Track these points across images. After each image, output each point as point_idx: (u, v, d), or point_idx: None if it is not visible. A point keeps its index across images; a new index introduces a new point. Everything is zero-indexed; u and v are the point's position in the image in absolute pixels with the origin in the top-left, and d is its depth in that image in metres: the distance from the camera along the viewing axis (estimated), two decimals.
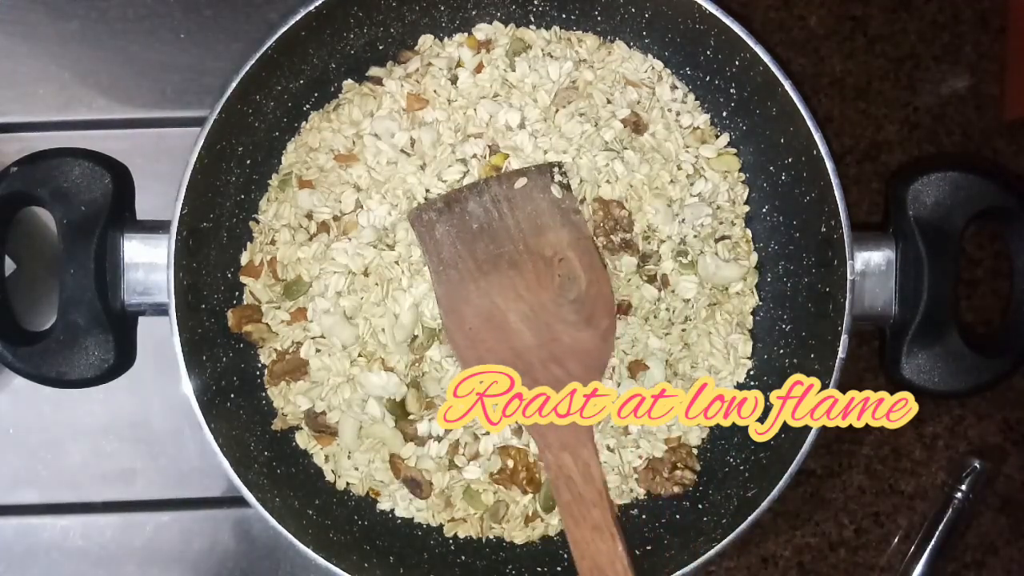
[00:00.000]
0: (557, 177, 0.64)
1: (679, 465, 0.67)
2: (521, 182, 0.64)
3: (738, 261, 0.68)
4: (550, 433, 0.61)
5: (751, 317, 0.69)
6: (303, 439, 0.68)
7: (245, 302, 0.67)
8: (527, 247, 0.62)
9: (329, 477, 0.68)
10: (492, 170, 0.65)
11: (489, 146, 0.65)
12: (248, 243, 0.68)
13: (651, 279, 0.66)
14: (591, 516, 0.59)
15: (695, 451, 0.68)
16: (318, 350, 0.66)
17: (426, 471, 0.66)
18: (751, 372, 0.69)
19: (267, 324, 0.67)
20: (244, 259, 0.68)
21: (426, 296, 0.64)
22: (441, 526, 0.68)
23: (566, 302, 0.62)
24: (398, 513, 0.68)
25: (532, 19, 0.69)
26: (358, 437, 0.66)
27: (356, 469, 0.67)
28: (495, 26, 0.69)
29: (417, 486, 0.66)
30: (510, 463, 0.66)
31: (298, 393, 0.66)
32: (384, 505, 0.68)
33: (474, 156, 0.65)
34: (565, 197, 0.64)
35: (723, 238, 0.68)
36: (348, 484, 0.68)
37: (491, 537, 0.68)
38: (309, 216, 0.67)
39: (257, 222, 0.68)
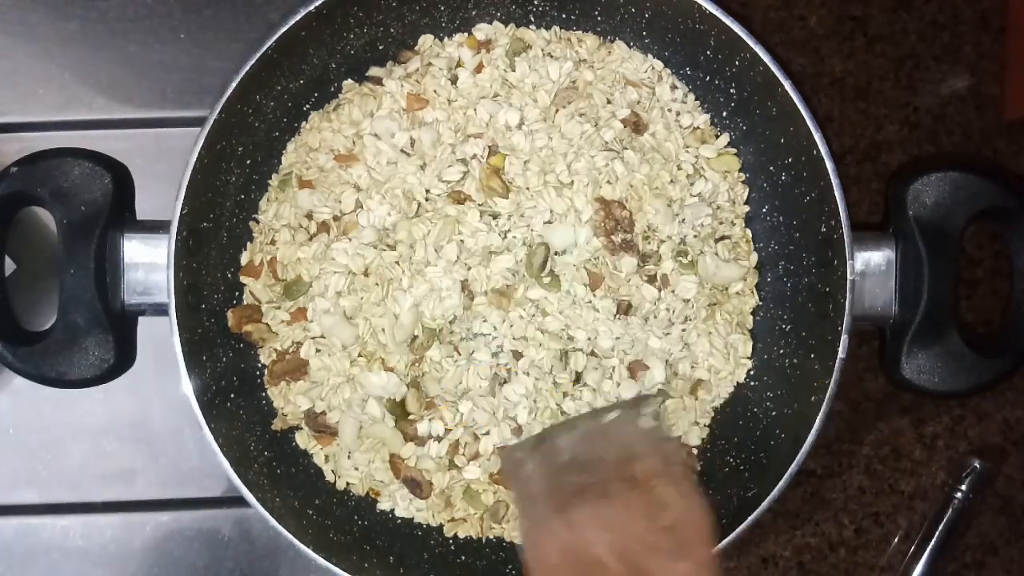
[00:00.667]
0: (648, 409, 0.62)
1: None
2: (613, 415, 0.62)
3: (738, 261, 0.68)
4: None
5: (751, 317, 0.69)
6: (303, 439, 0.68)
7: (245, 302, 0.67)
8: (617, 476, 0.58)
9: (329, 477, 0.68)
10: (491, 171, 0.64)
11: (489, 146, 0.65)
12: (248, 243, 0.68)
13: (651, 279, 0.66)
14: None
15: (695, 451, 0.68)
16: (318, 350, 0.66)
17: (426, 471, 0.66)
18: (751, 372, 0.69)
19: (267, 324, 0.67)
20: (244, 259, 0.68)
21: (426, 296, 0.64)
22: (441, 526, 0.68)
23: (658, 530, 0.57)
24: (398, 513, 0.68)
25: (532, 19, 0.69)
26: (358, 437, 0.66)
27: (356, 469, 0.67)
28: (495, 26, 0.69)
29: (417, 486, 0.66)
30: None
31: (298, 393, 0.66)
32: (384, 505, 0.68)
33: (474, 156, 0.65)
34: (655, 429, 0.61)
35: (723, 238, 0.68)
36: (348, 484, 0.68)
37: (491, 537, 0.68)
38: (309, 216, 0.67)
39: (257, 222, 0.68)
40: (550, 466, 0.59)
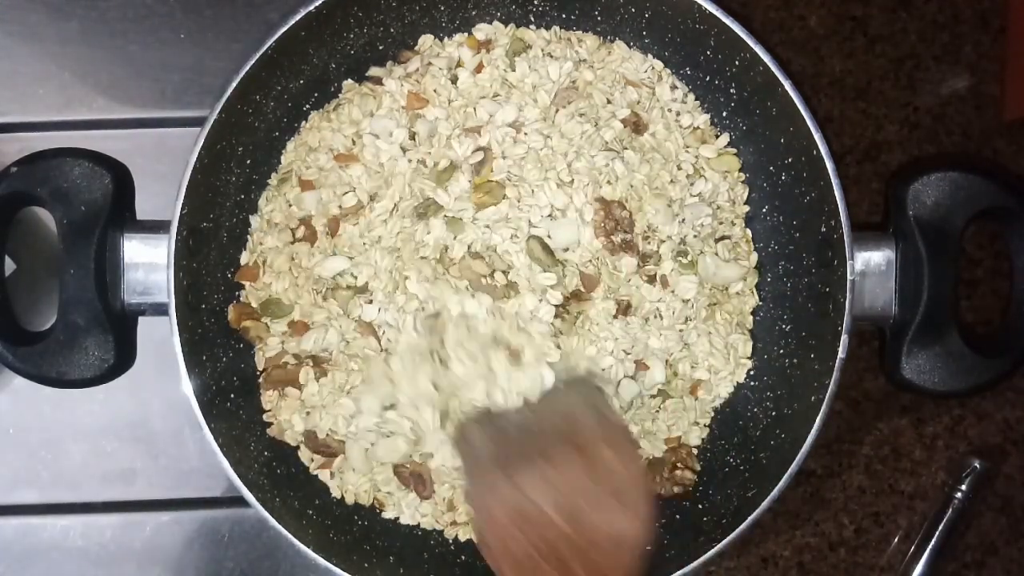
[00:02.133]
0: (592, 381, 0.64)
1: (679, 465, 0.67)
2: (559, 388, 0.64)
3: (738, 261, 0.68)
4: None
5: (751, 317, 0.69)
6: (306, 456, 0.67)
7: (243, 300, 0.68)
8: (560, 439, 0.61)
9: (336, 493, 0.67)
10: (483, 193, 0.64)
11: (483, 148, 0.65)
12: (247, 243, 0.68)
13: (651, 279, 0.66)
14: None
15: (695, 451, 0.68)
16: (316, 378, 0.66)
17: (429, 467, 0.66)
18: (751, 372, 0.69)
19: (265, 323, 0.66)
20: (244, 258, 0.68)
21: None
22: (442, 529, 0.68)
23: (600, 489, 0.59)
24: (403, 521, 0.67)
25: (532, 19, 0.69)
26: (367, 458, 0.66)
27: (363, 478, 0.67)
28: (495, 26, 0.69)
29: (421, 482, 0.66)
30: None
31: (291, 411, 0.66)
32: (389, 514, 0.67)
33: (465, 159, 0.65)
34: (598, 399, 0.64)
35: (723, 238, 0.68)
36: (356, 497, 0.67)
37: None
38: (302, 221, 0.67)
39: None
40: (497, 434, 0.62)
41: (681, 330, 0.67)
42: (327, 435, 0.66)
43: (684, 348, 0.67)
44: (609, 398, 0.64)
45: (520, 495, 0.59)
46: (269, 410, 0.67)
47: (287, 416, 0.66)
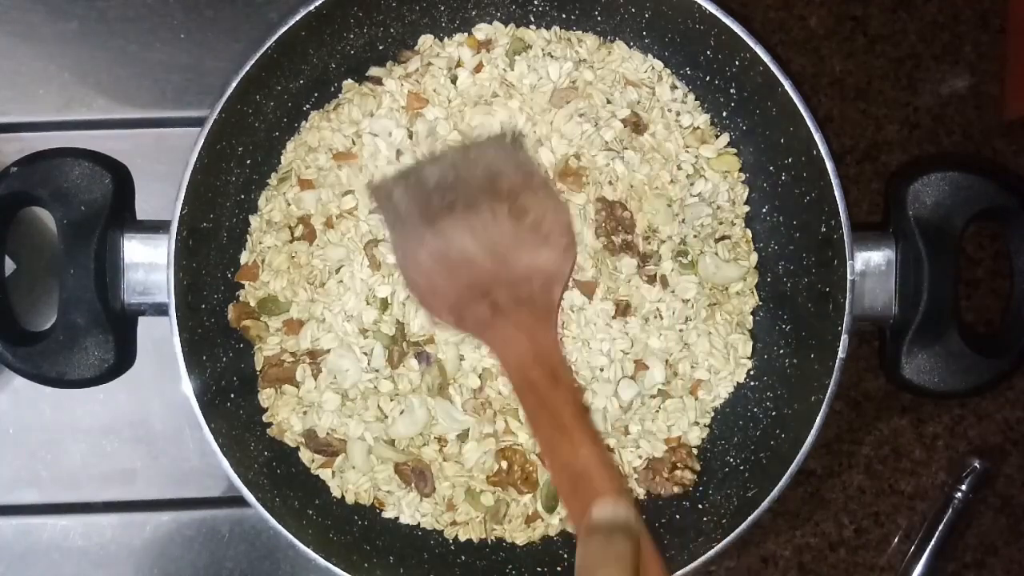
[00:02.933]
0: (508, 135, 0.65)
1: (679, 465, 0.67)
2: (477, 145, 0.65)
3: (738, 261, 0.68)
4: (510, 345, 0.59)
5: (751, 317, 0.69)
6: (306, 456, 0.67)
7: (241, 299, 0.68)
8: (482, 190, 0.62)
9: (336, 493, 0.67)
10: None
11: None
12: (247, 243, 0.68)
13: (651, 279, 0.66)
14: (560, 418, 0.55)
15: (695, 451, 0.68)
16: (313, 376, 0.66)
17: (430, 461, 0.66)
18: (751, 372, 0.69)
19: (265, 322, 0.66)
20: (244, 258, 0.68)
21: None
22: (442, 529, 0.68)
23: (523, 230, 0.61)
24: (403, 521, 0.67)
25: (532, 19, 0.69)
26: (369, 456, 0.66)
27: (363, 477, 0.67)
28: (495, 26, 0.69)
29: (422, 478, 0.66)
30: (505, 464, 0.66)
31: (288, 409, 0.66)
32: (389, 513, 0.67)
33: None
34: (516, 151, 0.64)
35: (723, 238, 0.68)
36: (356, 497, 0.67)
37: (492, 538, 0.68)
38: (301, 220, 0.67)
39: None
40: (418, 191, 0.63)
41: (681, 330, 0.67)
42: (327, 434, 0.66)
43: (684, 348, 0.67)
44: (528, 151, 0.65)
45: (444, 241, 0.61)
46: (268, 408, 0.67)
47: (285, 415, 0.66)
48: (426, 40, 0.69)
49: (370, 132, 0.66)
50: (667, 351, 0.66)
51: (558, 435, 0.54)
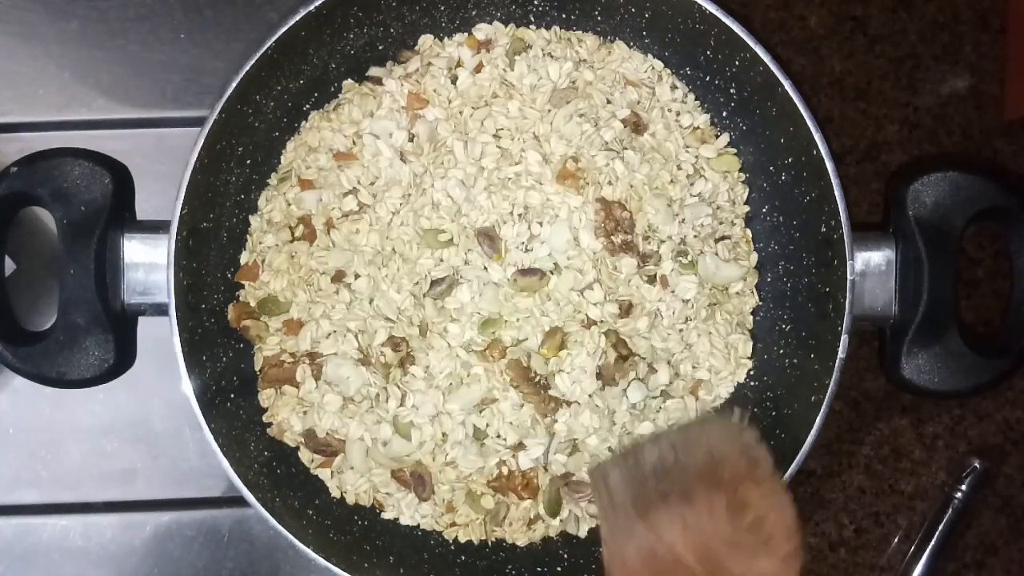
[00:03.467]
0: (734, 415, 0.62)
1: None
2: (699, 424, 0.63)
3: (738, 261, 0.68)
4: None
5: (751, 317, 0.69)
6: (306, 456, 0.67)
7: (242, 300, 0.68)
8: (700, 478, 0.57)
9: (335, 493, 0.67)
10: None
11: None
12: (247, 243, 0.68)
13: (651, 279, 0.66)
14: None
15: None
16: (314, 377, 0.66)
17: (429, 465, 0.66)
18: (751, 372, 0.69)
19: (265, 322, 0.66)
20: (244, 258, 0.68)
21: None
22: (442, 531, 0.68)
23: (740, 529, 0.56)
24: (402, 522, 0.67)
25: (532, 19, 0.69)
26: (367, 457, 0.66)
27: (362, 478, 0.67)
28: (495, 26, 0.69)
29: (421, 483, 0.65)
30: (505, 470, 0.66)
31: (288, 410, 0.66)
32: (389, 515, 0.67)
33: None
34: (742, 433, 0.60)
35: (723, 238, 0.68)
36: (356, 498, 0.67)
37: (492, 539, 0.68)
38: (302, 220, 0.67)
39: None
40: (635, 475, 0.59)
41: (681, 330, 0.67)
42: (327, 434, 0.66)
43: (685, 348, 0.67)
44: (757, 435, 0.60)
45: (654, 536, 0.56)
46: (268, 408, 0.67)
47: (285, 415, 0.66)
48: (426, 40, 0.69)
49: (370, 133, 0.66)
50: (669, 351, 0.66)
51: None
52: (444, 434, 0.65)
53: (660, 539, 0.56)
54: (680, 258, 0.66)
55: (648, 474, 0.58)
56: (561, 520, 0.67)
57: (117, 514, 0.72)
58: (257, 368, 0.67)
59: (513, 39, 0.68)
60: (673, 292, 0.66)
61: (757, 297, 0.69)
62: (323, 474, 0.67)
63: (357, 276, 0.65)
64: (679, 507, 0.56)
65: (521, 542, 0.67)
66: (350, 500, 0.67)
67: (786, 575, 0.56)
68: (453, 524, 0.67)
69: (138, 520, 0.72)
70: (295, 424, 0.66)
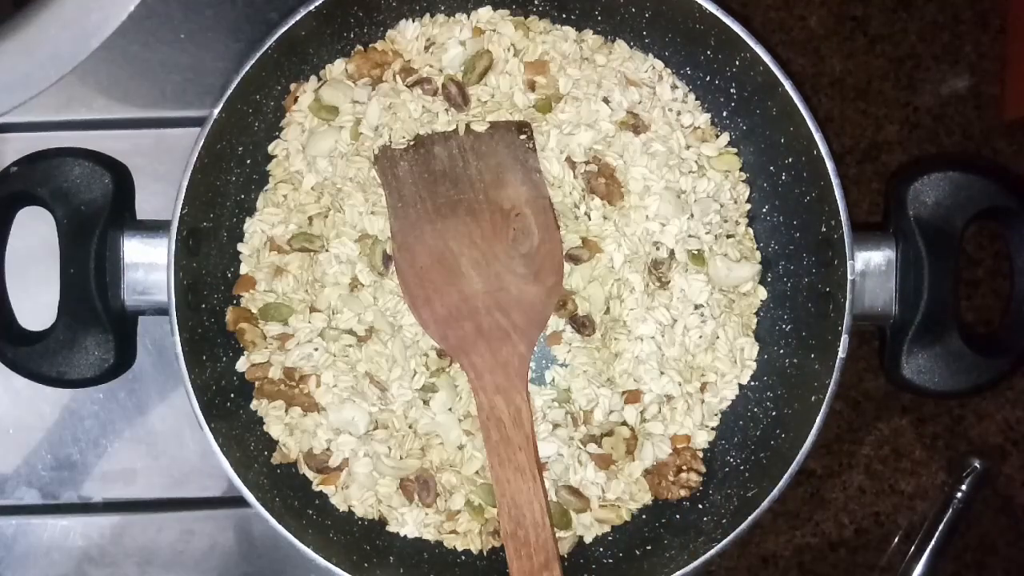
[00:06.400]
0: (523, 136, 0.65)
1: (684, 468, 0.66)
2: (489, 135, 0.65)
3: (747, 260, 0.67)
4: (486, 374, 0.63)
5: (755, 318, 0.69)
6: (310, 472, 0.67)
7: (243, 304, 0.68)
8: (487, 197, 0.64)
9: (343, 508, 0.67)
10: None
11: None
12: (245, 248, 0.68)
13: (663, 284, 0.66)
14: (516, 458, 0.62)
15: (700, 454, 0.68)
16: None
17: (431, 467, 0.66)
18: (752, 372, 0.69)
19: (261, 329, 0.66)
20: (243, 268, 0.67)
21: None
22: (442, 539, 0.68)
23: (517, 255, 0.63)
24: (405, 533, 0.67)
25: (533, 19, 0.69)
26: (373, 472, 0.66)
27: (367, 492, 0.66)
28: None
29: (426, 488, 0.65)
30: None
31: (280, 427, 0.66)
32: (392, 528, 0.67)
33: None
34: (529, 156, 0.65)
35: (728, 237, 0.68)
36: (362, 512, 0.67)
37: (490, 546, 0.68)
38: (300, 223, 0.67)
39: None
40: (424, 172, 0.64)
41: (684, 328, 0.67)
42: (323, 452, 0.66)
43: (691, 351, 0.67)
44: (537, 155, 0.65)
45: (443, 244, 0.63)
46: (267, 427, 0.67)
47: (276, 432, 0.66)
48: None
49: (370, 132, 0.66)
50: (677, 358, 0.66)
51: (512, 472, 0.62)
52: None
53: (447, 247, 0.63)
54: (691, 260, 0.66)
55: (438, 175, 0.64)
56: (574, 532, 0.67)
57: (117, 514, 0.72)
58: (240, 369, 0.66)
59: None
60: (683, 292, 0.66)
61: (764, 291, 0.68)
62: (327, 490, 0.67)
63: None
64: (466, 222, 0.63)
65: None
66: (359, 512, 0.67)
67: (549, 303, 0.64)
68: (454, 532, 0.67)
69: (138, 520, 0.72)
70: (291, 446, 0.66)
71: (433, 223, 0.63)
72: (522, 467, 0.62)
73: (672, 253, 0.66)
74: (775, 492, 0.62)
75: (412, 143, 0.65)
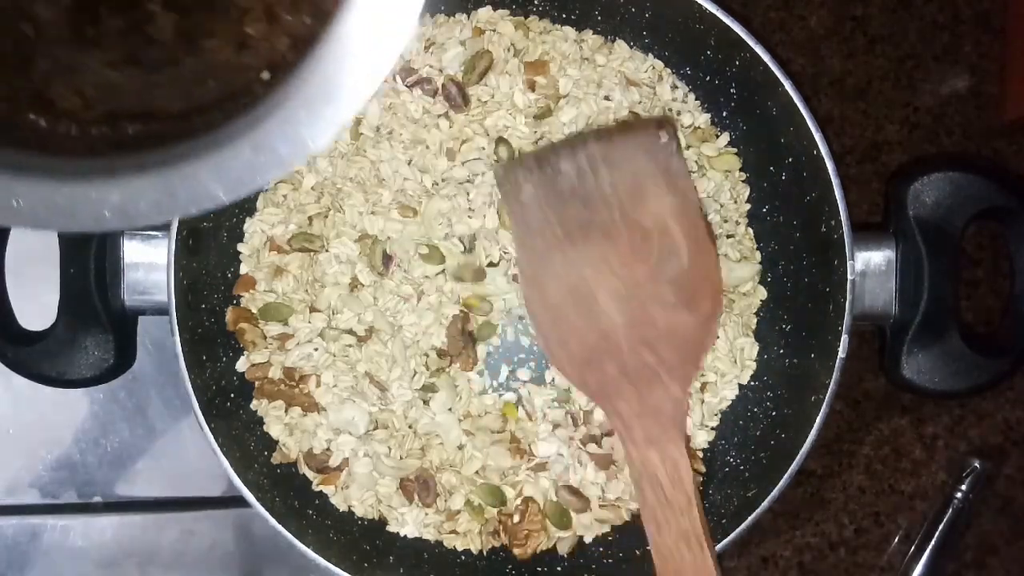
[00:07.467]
0: (665, 137, 0.57)
1: None
2: (624, 139, 0.57)
3: (748, 260, 0.67)
4: (635, 424, 0.55)
5: (755, 318, 0.69)
6: (310, 472, 0.67)
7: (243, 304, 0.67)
8: (624, 215, 0.54)
9: (343, 508, 0.67)
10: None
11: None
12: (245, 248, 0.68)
13: None
14: (679, 524, 0.54)
15: (699, 453, 0.68)
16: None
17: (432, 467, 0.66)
18: (751, 372, 0.69)
19: (261, 329, 0.66)
20: (243, 268, 0.67)
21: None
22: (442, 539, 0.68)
23: (664, 280, 0.54)
24: (405, 533, 0.67)
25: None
26: (373, 473, 0.66)
27: (367, 492, 0.66)
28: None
29: (426, 488, 0.65)
30: (517, 517, 0.66)
31: (279, 427, 0.66)
32: (392, 528, 0.67)
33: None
34: (672, 159, 0.56)
35: (728, 236, 0.68)
36: (362, 512, 0.67)
37: (491, 546, 0.68)
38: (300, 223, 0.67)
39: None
40: (551, 193, 0.55)
41: None
42: (323, 452, 0.66)
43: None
44: (684, 158, 0.56)
45: (575, 273, 0.54)
46: (268, 427, 0.67)
47: (276, 432, 0.66)
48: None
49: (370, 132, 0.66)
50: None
51: (675, 541, 0.54)
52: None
53: (581, 277, 0.54)
54: None
55: (567, 195, 0.55)
56: (573, 532, 0.67)
57: (117, 514, 0.72)
58: (242, 370, 0.67)
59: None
60: None
61: (764, 291, 0.68)
62: (327, 490, 0.67)
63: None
64: (602, 246, 0.54)
65: (520, 554, 0.67)
66: (359, 512, 0.67)
67: (706, 334, 0.55)
68: (454, 532, 0.67)
69: (138, 520, 0.72)
70: (291, 446, 0.66)
71: (564, 251, 0.54)
72: (686, 534, 0.53)
73: None
74: (775, 492, 0.62)
75: (535, 159, 0.58)
